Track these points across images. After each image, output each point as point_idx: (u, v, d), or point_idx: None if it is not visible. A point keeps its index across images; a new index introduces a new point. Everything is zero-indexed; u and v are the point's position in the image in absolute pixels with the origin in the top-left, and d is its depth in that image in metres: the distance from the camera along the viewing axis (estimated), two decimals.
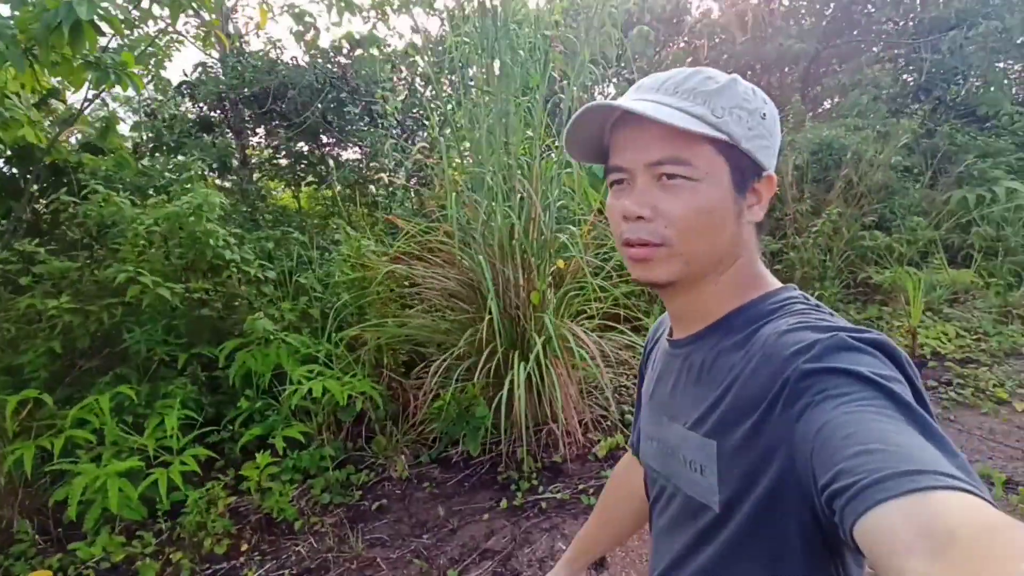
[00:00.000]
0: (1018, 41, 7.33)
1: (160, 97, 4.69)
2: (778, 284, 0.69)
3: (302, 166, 5.30)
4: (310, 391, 2.91)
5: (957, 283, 5.36)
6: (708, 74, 0.64)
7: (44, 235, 3.64)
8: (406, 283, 3.44)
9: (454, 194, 3.13)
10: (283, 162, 5.32)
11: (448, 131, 3.57)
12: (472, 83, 3.19)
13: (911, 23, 8.15)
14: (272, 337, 3.13)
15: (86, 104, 3.48)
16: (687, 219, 0.63)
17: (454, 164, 3.49)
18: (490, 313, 2.78)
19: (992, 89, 7.51)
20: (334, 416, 3.15)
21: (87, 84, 2.78)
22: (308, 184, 5.37)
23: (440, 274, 3.16)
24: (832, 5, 8.47)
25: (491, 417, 2.76)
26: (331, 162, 4.74)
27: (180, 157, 4.26)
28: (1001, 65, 7.66)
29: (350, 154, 5.26)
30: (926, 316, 4.75)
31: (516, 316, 2.98)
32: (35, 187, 3.68)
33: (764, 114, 0.64)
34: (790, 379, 0.53)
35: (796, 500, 0.53)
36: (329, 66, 4.56)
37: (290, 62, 4.52)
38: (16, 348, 2.99)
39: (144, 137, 4.42)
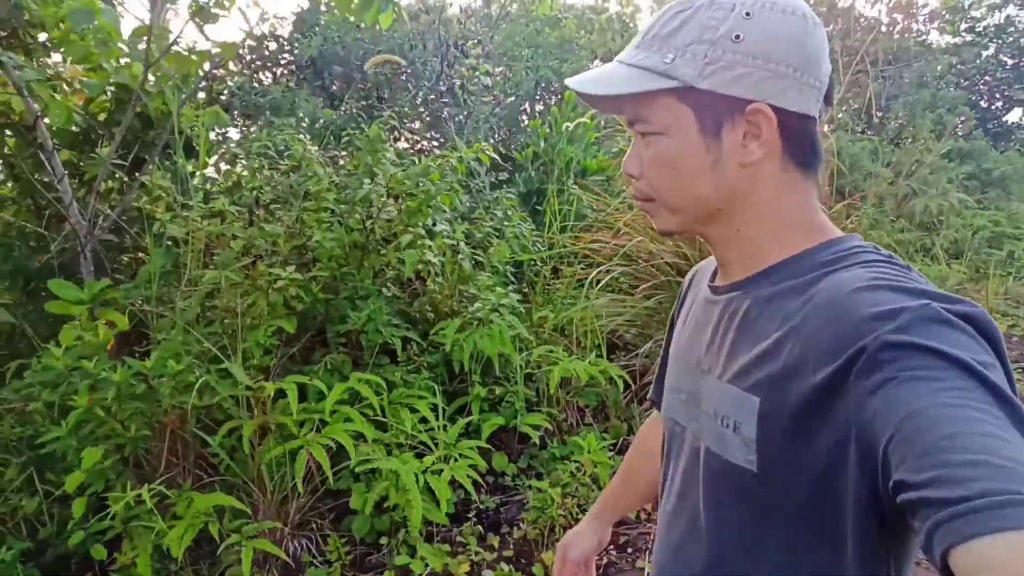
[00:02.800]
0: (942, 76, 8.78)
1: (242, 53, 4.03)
2: (839, 232, 0.61)
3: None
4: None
5: (951, 277, 6.25)
6: (679, 8, 0.58)
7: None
8: (609, 259, 3.28)
9: None
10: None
11: None
12: None
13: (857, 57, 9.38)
14: (496, 318, 2.83)
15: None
16: (655, 174, 0.62)
17: None
18: None
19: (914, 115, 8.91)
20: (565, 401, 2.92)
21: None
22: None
23: (668, 249, 3.07)
24: None
25: None
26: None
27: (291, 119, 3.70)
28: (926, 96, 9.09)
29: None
30: None
31: None
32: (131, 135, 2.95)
33: (737, 35, 0.55)
34: (867, 347, 0.47)
35: (854, 477, 0.48)
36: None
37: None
38: (194, 326, 2.41)
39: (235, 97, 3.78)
